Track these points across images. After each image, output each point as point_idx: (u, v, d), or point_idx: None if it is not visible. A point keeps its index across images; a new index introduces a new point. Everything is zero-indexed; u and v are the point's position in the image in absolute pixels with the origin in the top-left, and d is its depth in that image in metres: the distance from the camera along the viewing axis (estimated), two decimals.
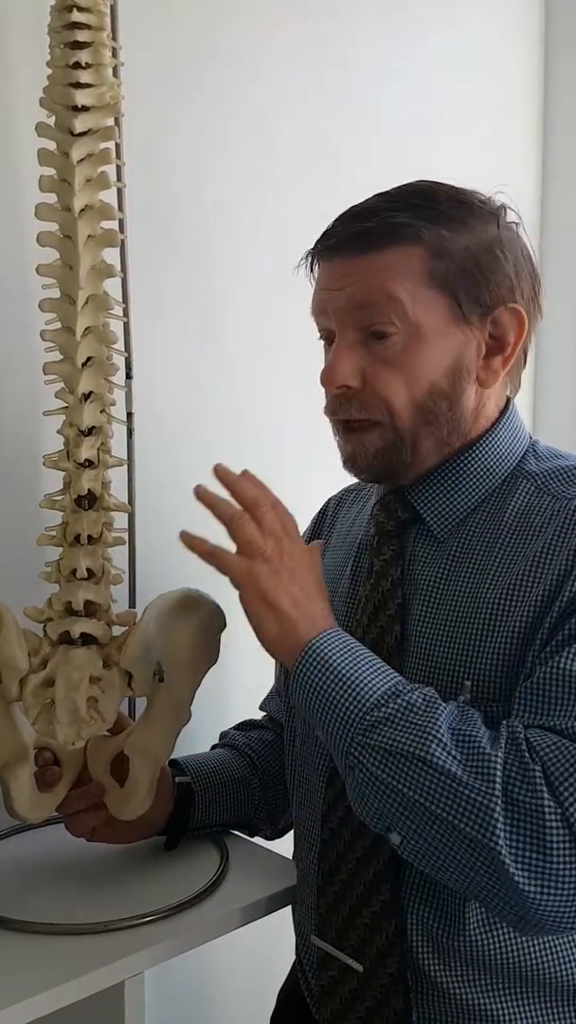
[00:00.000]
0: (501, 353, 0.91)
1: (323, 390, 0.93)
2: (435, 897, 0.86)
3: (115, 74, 0.94)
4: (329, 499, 1.15)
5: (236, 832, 1.12)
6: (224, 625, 1.02)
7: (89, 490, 0.95)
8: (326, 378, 0.90)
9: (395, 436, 0.90)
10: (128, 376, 1.18)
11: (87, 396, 0.94)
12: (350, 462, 0.93)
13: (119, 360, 0.97)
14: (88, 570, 0.94)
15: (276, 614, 0.83)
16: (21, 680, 0.92)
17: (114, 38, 1.00)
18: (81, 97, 0.91)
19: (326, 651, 0.81)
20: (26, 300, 1.07)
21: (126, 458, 1.19)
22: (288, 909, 1.04)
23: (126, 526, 1.18)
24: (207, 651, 1.01)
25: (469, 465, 0.92)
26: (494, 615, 0.85)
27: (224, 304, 1.37)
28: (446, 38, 1.68)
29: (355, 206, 0.92)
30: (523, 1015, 0.85)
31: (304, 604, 0.84)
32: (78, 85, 0.91)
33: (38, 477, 1.11)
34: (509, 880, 0.73)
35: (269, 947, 1.30)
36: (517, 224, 0.92)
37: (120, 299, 1.07)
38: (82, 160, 0.92)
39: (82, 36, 0.91)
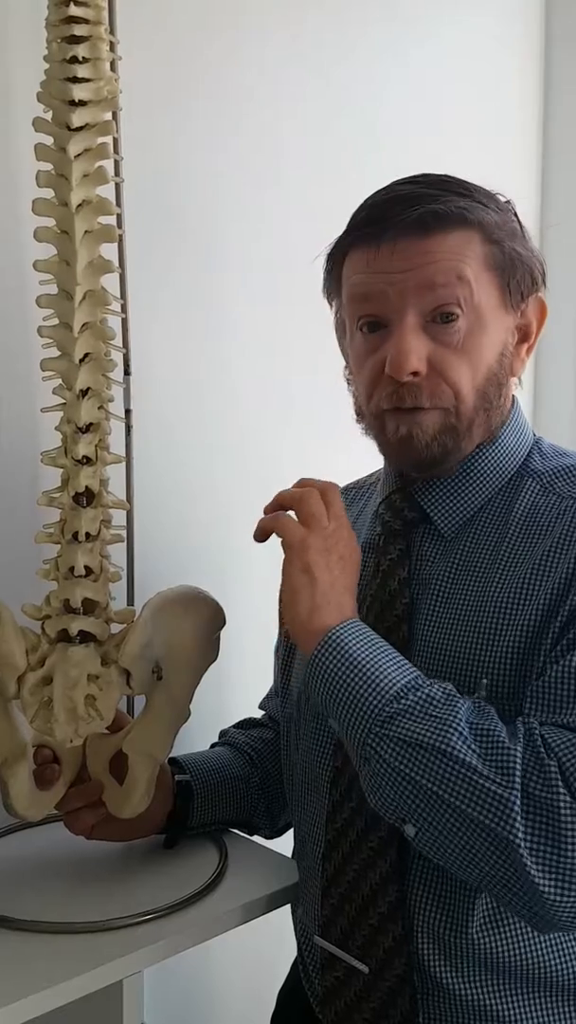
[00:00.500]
0: (526, 341, 0.93)
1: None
2: (441, 898, 0.86)
3: (113, 68, 0.93)
4: None
5: (235, 830, 1.12)
6: (224, 623, 1.02)
7: (87, 487, 0.94)
8: (396, 365, 0.86)
9: (457, 420, 0.89)
10: (126, 372, 1.18)
11: (85, 392, 0.94)
12: (403, 443, 0.90)
13: (117, 356, 0.97)
14: (86, 567, 0.94)
15: (312, 589, 0.83)
16: (19, 678, 0.92)
17: (112, 32, 1.00)
18: (78, 92, 0.90)
19: (347, 640, 0.81)
20: (23, 296, 1.06)
21: (124, 455, 1.19)
22: (287, 908, 1.04)
23: (124, 523, 1.18)
24: (206, 649, 1.00)
25: (478, 463, 0.92)
26: (503, 614, 0.85)
27: (223, 300, 1.36)
28: (446, 37, 1.67)
29: (394, 191, 0.89)
30: (530, 1015, 0.85)
31: (340, 591, 0.85)
32: (75, 80, 0.90)
33: (36, 474, 1.11)
34: (524, 873, 0.73)
35: (269, 947, 1.30)
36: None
37: (118, 295, 1.07)
38: (79, 155, 0.91)
39: (79, 30, 0.90)
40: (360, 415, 0.97)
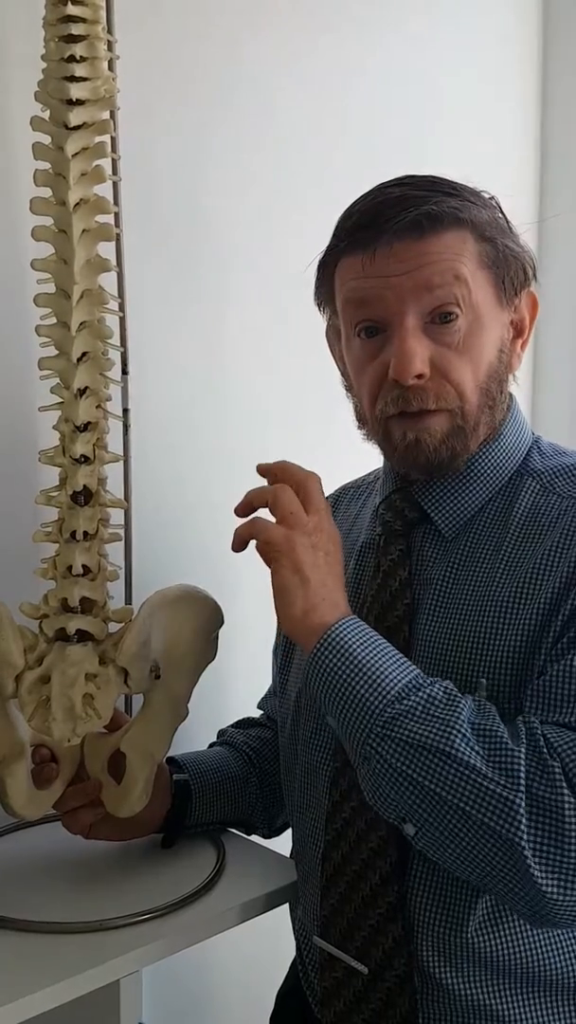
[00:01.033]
0: (521, 336, 0.93)
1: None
2: (441, 898, 0.86)
3: (110, 67, 0.93)
4: (326, 497, 1.14)
5: (233, 830, 1.12)
6: (222, 622, 1.01)
7: (85, 486, 0.94)
8: (400, 369, 0.86)
9: (463, 421, 0.89)
10: (124, 371, 1.18)
11: (82, 392, 0.94)
12: (411, 449, 0.89)
13: (115, 355, 0.97)
14: (84, 566, 0.94)
15: (305, 589, 0.82)
16: (17, 677, 0.92)
17: (109, 31, 1.00)
18: (76, 91, 0.90)
19: (347, 638, 0.81)
20: (21, 295, 1.06)
21: (122, 454, 1.19)
22: (286, 908, 1.04)
23: (122, 522, 1.18)
24: (205, 648, 1.00)
25: (479, 463, 0.92)
26: (504, 614, 0.85)
27: (220, 298, 1.36)
28: (445, 36, 1.67)
29: (384, 195, 0.89)
30: (530, 1015, 0.85)
31: (331, 586, 0.84)
32: (73, 79, 0.90)
33: (34, 473, 1.10)
34: (527, 874, 0.73)
35: (268, 946, 1.30)
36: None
37: (116, 294, 1.07)
38: (77, 154, 0.91)
39: (77, 29, 0.90)
40: (362, 421, 0.96)
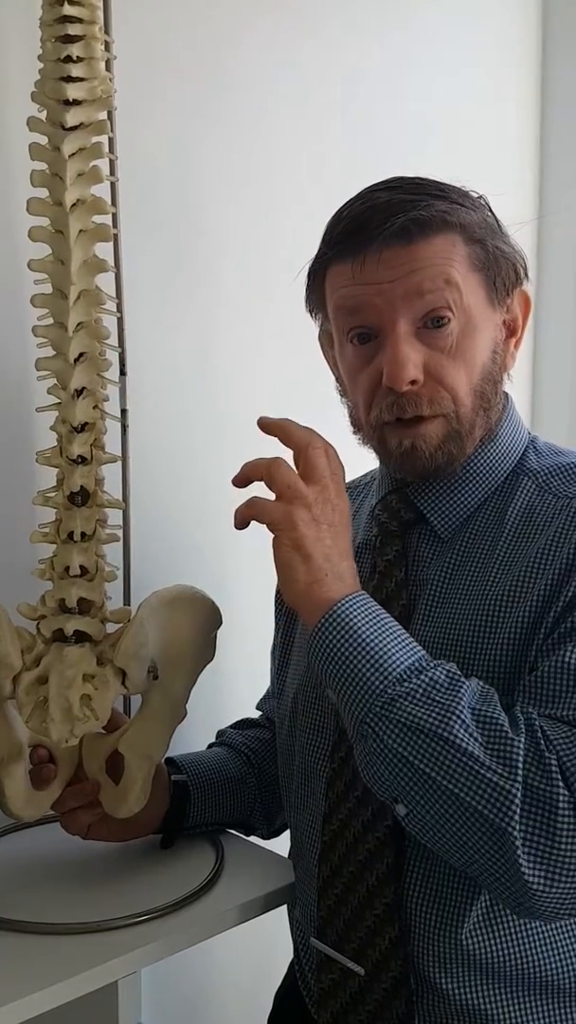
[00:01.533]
0: (514, 336, 0.93)
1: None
2: (438, 900, 0.85)
3: (107, 68, 0.93)
4: None
5: (232, 831, 1.12)
6: (220, 622, 1.01)
7: (82, 486, 0.94)
8: (393, 376, 0.86)
9: (458, 425, 0.89)
10: (122, 372, 1.18)
11: (80, 392, 0.94)
12: (408, 456, 0.89)
13: (112, 356, 0.97)
14: (82, 567, 0.94)
15: (307, 564, 0.81)
16: (14, 678, 0.91)
17: (106, 32, 1.00)
18: (73, 91, 0.90)
19: (351, 615, 0.80)
20: (18, 296, 1.06)
21: (120, 454, 1.19)
22: (284, 909, 1.04)
23: (120, 523, 1.18)
24: (203, 649, 1.00)
25: (475, 463, 0.92)
26: (497, 612, 0.85)
27: (218, 299, 1.36)
28: (445, 36, 1.67)
29: (371, 200, 0.88)
30: (526, 1019, 0.85)
31: (336, 560, 0.82)
32: (70, 79, 0.90)
33: (31, 474, 1.10)
34: (515, 863, 0.73)
35: (266, 948, 1.30)
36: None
37: (113, 294, 1.07)
38: (74, 154, 0.91)
39: (74, 30, 0.90)
40: (357, 427, 0.96)
